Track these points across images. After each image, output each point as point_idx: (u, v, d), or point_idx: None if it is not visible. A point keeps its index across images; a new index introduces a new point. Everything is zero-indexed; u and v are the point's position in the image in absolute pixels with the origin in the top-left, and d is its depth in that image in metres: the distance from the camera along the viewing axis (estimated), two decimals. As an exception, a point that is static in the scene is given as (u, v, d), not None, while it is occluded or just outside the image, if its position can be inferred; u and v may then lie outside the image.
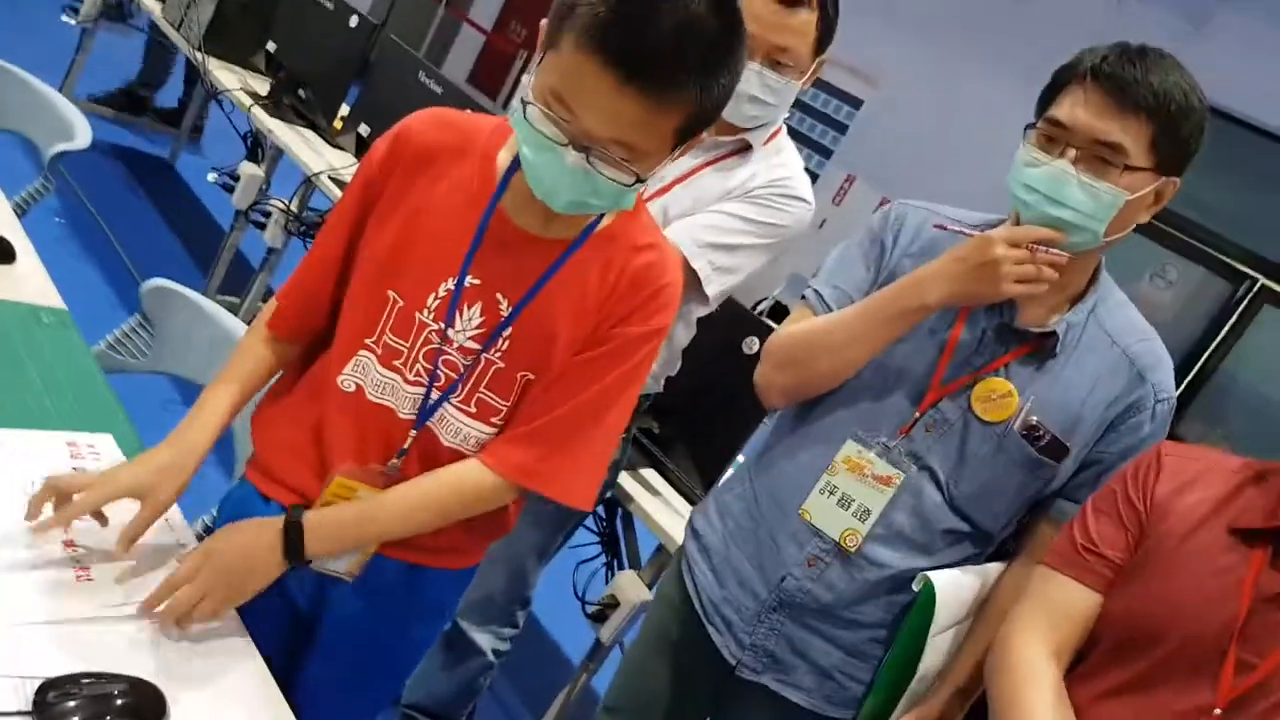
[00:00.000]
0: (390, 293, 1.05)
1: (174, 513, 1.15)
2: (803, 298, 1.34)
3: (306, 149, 2.94)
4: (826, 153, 6.28)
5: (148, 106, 4.35)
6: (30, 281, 1.47)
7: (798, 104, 1.70)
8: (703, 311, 1.72)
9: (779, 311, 5.98)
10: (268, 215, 2.94)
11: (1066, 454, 1.19)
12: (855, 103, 6.21)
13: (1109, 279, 1.25)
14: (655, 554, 1.94)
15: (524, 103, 0.91)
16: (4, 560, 0.98)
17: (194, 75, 4.34)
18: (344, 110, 3.14)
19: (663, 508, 1.93)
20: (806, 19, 1.55)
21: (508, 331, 1.05)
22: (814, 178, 1.65)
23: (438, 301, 1.04)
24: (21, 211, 1.79)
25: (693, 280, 1.58)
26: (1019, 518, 1.26)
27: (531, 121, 0.91)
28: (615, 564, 2.11)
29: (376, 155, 1.07)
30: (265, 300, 3.11)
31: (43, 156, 1.98)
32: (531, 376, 1.07)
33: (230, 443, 1.49)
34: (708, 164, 1.66)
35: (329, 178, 2.79)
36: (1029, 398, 1.18)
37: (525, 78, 1.94)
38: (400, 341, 1.06)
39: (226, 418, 1.10)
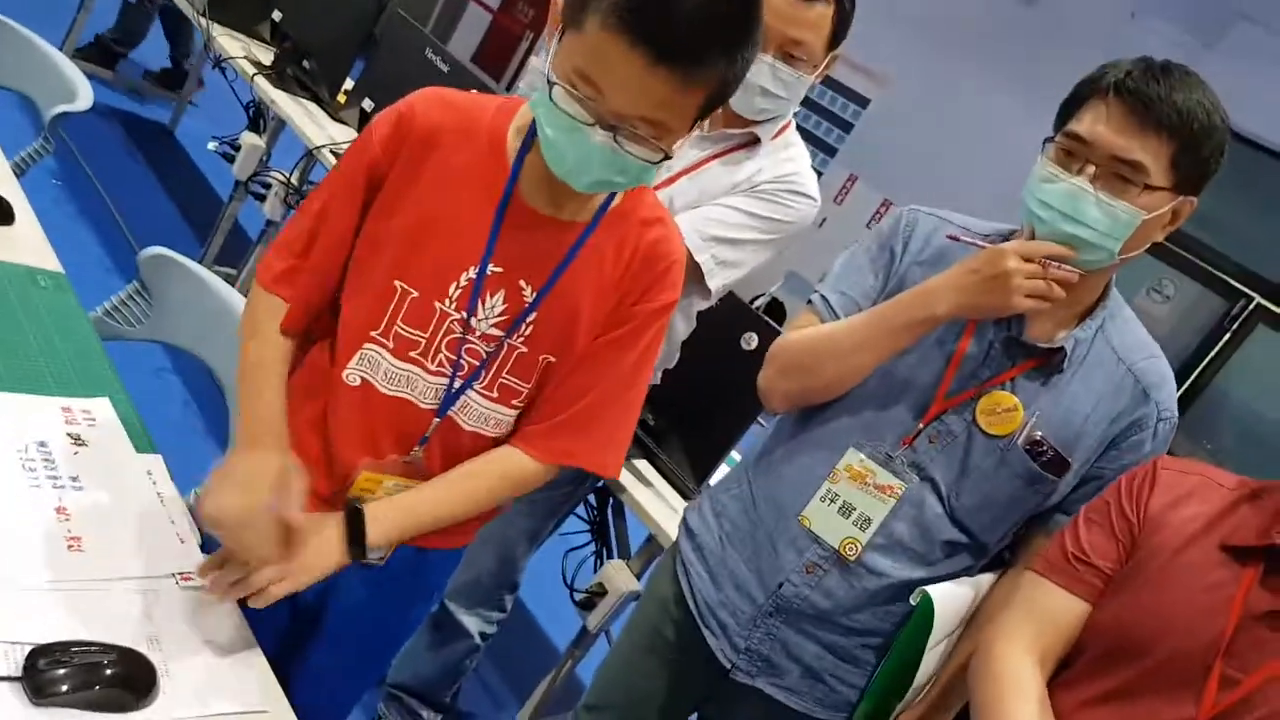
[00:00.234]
0: (398, 283, 1.02)
1: (167, 485, 1.14)
2: (809, 302, 1.32)
3: (309, 121, 2.92)
4: (831, 151, 6.27)
5: (117, 62, 4.28)
6: (28, 243, 1.45)
7: (804, 100, 1.69)
8: (704, 305, 1.71)
9: (775, 308, 5.98)
10: (267, 187, 2.92)
11: (1067, 469, 1.18)
12: (862, 102, 6.20)
13: (1118, 296, 1.24)
14: (645, 544, 1.94)
15: (550, 83, 0.90)
16: (-5, 524, 0.97)
17: (179, 38, 4.28)
18: (348, 84, 3.11)
19: (654, 499, 1.92)
20: (822, 12, 1.54)
21: (532, 316, 1.05)
22: (817, 175, 1.65)
23: (459, 291, 1.03)
24: (20, 172, 1.77)
25: (695, 273, 1.58)
26: (1016, 530, 1.26)
27: (557, 102, 0.90)
28: (604, 553, 2.11)
29: (378, 136, 1.02)
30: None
31: (43, 117, 1.96)
32: (553, 359, 1.08)
33: (224, 415, 1.48)
34: (715, 156, 1.65)
35: (330, 152, 2.77)
36: (1034, 413, 1.17)
37: (533, 59, 1.94)
38: (417, 332, 1.04)
39: (275, 405, 1.06)
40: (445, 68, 2.61)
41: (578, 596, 1.90)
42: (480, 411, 1.09)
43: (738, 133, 1.63)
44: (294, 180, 2.89)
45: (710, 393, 1.95)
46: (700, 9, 0.86)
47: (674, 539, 1.80)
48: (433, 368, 1.06)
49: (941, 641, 1.20)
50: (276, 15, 3.23)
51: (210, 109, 4.38)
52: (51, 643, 0.85)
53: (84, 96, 1.96)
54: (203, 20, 3.27)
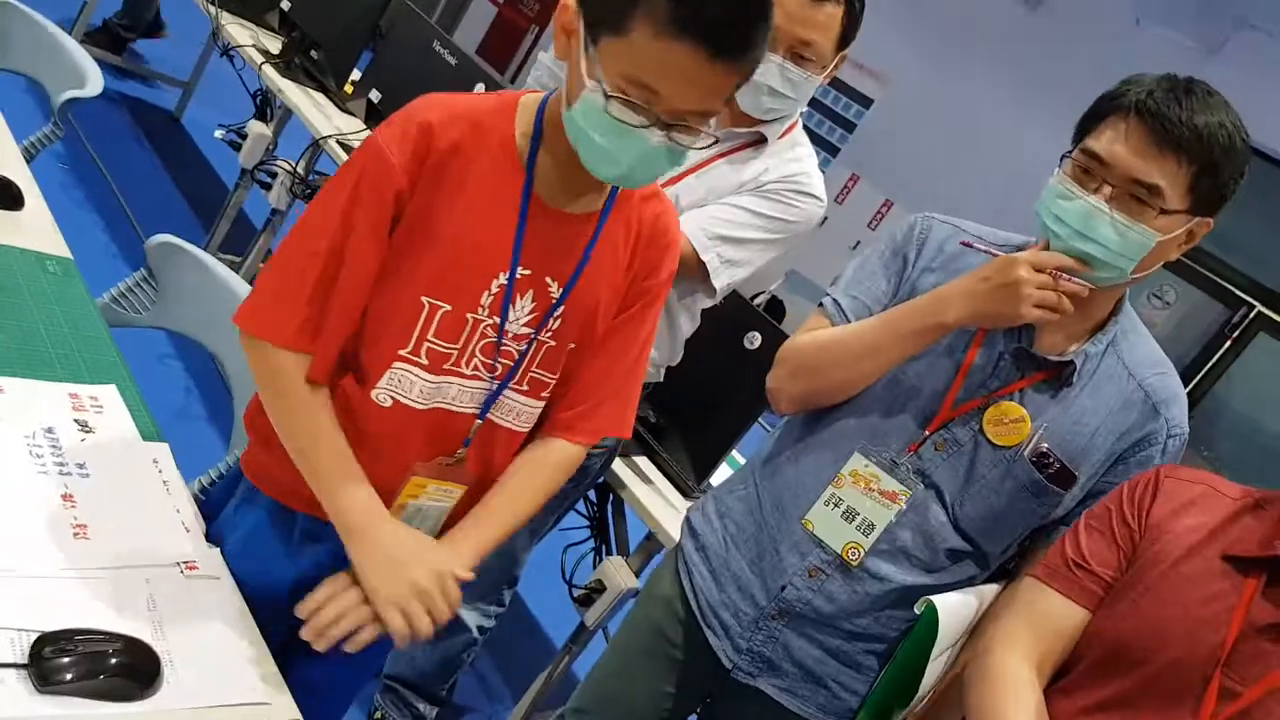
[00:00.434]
0: (425, 299, 1.01)
1: (172, 473, 1.14)
2: (820, 305, 1.32)
3: (316, 111, 2.91)
4: (833, 150, 6.27)
5: (125, 47, 4.27)
6: (37, 228, 1.46)
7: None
8: (708, 303, 1.72)
9: (775, 306, 5.99)
10: (273, 176, 2.92)
11: (1074, 482, 1.18)
12: (865, 102, 6.20)
13: (1131, 311, 1.24)
14: (644, 541, 1.94)
15: (606, 95, 0.91)
16: (2, 512, 0.97)
17: (135, 7, 4.21)
18: (355, 75, 3.11)
19: (654, 496, 1.93)
20: (832, 13, 1.54)
21: (559, 311, 1.07)
22: (820, 174, 1.66)
23: (491, 298, 1.03)
24: (30, 156, 1.77)
25: (700, 272, 1.58)
26: (1021, 541, 1.26)
27: (613, 113, 0.92)
28: (604, 549, 2.11)
29: (399, 162, 0.97)
30: (265, 261, 3.12)
31: (52, 102, 1.96)
32: (573, 345, 1.11)
33: (226, 402, 1.48)
34: (721, 155, 1.65)
35: (337, 142, 2.77)
36: (1042, 425, 1.17)
37: (541, 54, 1.93)
38: (449, 345, 1.04)
39: (371, 492, 1.04)
40: (452, 60, 2.61)
41: (576, 593, 1.90)
42: (514, 407, 1.11)
43: (744, 132, 1.63)
44: (300, 169, 2.89)
45: (712, 391, 1.95)
46: (743, 1, 0.90)
47: (674, 537, 1.82)
48: (468, 373, 1.06)
49: (945, 651, 1.20)
50: (285, 5, 3.23)
51: (217, 97, 4.38)
52: (57, 630, 0.86)
53: (94, 82, 1.97)
54: (212, 8, 3.27)
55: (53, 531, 0.98)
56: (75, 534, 0.99)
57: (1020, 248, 1.20)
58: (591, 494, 2.09)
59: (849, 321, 1.27)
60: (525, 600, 2.66)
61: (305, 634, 1.00)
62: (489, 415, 1.09)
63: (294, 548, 1.11)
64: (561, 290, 1.06)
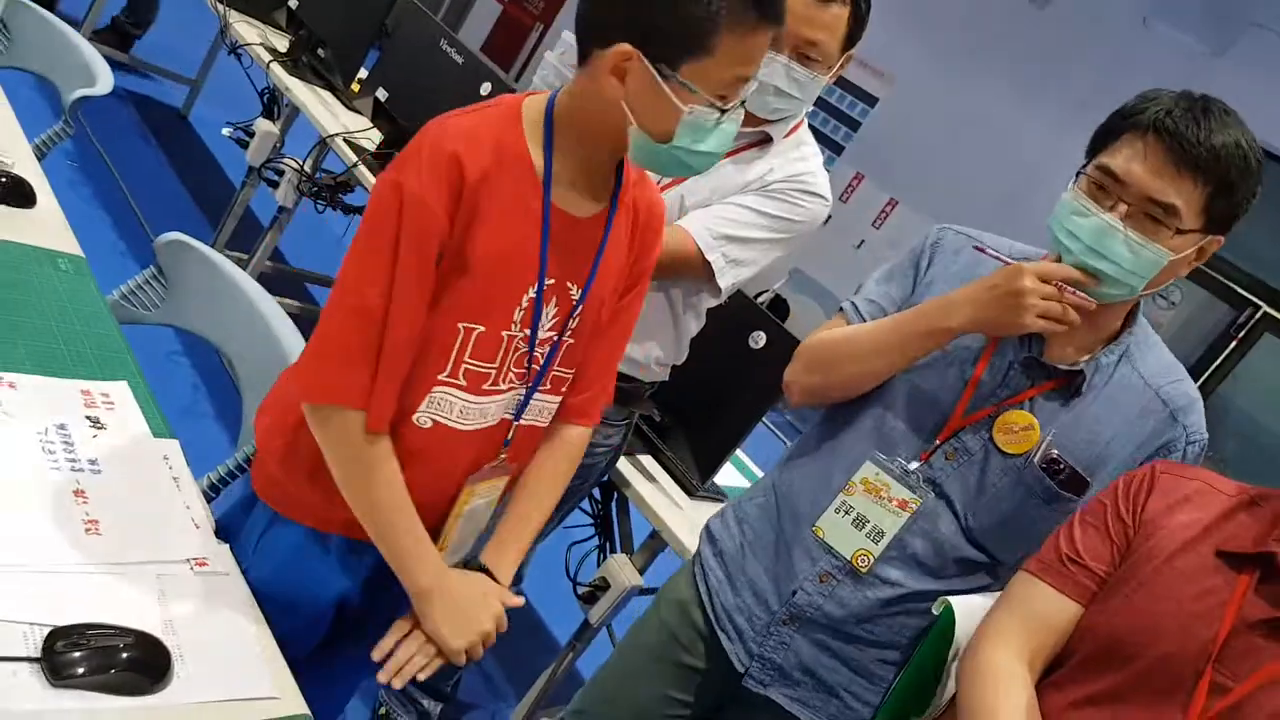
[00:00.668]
0: (461, 325, 1.03)
1: (183, 470, 1.15)
2: (841, 309, 1.35)
3: (323, 109, 2.93)
4: (838, 149, 6.27)
5: (132, 44, 4.28)
6: (49, 226, 1.47)
7: (813, 98, 1.70)
8: (713, 303, 1.72)
9: (779, 305, 5.99)
10: (280, 174, 2.93)
11: (1086, 488, 1.18)
12: (870, 100, 6.20)
13: (1145, 323, 1.24)
14: (648, 539, 1.95)
15: (721, 110, 1.00)
16: (15, 507, 0.98)
17: (140, 5, 4.21)
18: (362, 73, 3.12)
19: (658, 494, 1.94)
20: (838, 13, 1.54)
21: (578, 311, 1.10)
22: (825, 173, 1.67)
23: (522, 313, 1.06)
24: (41, 154, 1.79)
25: (705, 271, 1.59)
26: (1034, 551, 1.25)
27: (726, 123, 1.01)
28: (608, 547, 2.12)
29: (438, 205, 0.97)
30: (273, 260, 3.13)
31: (63, 100, 1.97)
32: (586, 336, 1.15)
33: (234, 400, 1.50)
34: (727, 155, 1.65)
35: (344, 140, 2.78)
36: (1051, 432, 1.17)
37: (547, 54, 1.94)
38: (486, 365, 1.06)
39: (435, 553, 1.11)
40: (459, 58, 2.62)
41: (580, 590, 1.91)
42: (541, 407, 1.16)
43: (750, 131, 1.63)
44: (307, 167, 2.90)
45: (717, 390, 1.96)
46: None
47: (678, 535, 1.83)
48: (503, 387, 1.09)
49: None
50: (292, 3, 3.24)
51: (225, 95, 4.40)
52: (69, 625, 0.87)
53: (104, 80, 1.98)
54: (220, 6, 3.28)
55: (65, 527, 0.99)
56: (87, 530, 1.00)
57: (1032, 260, 1.20)
58: (596, 492, 2.10)
59: (865, 322, 1.29)
60: (529, 598, 2.67)
61: (382, 677, 1.07)
62: (521, 420, 1.13)
63: (333, 568, 1.13)
64: (581, 292, 1.09)
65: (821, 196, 1.63)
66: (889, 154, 6.01)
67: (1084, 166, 1.15)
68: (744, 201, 1.61)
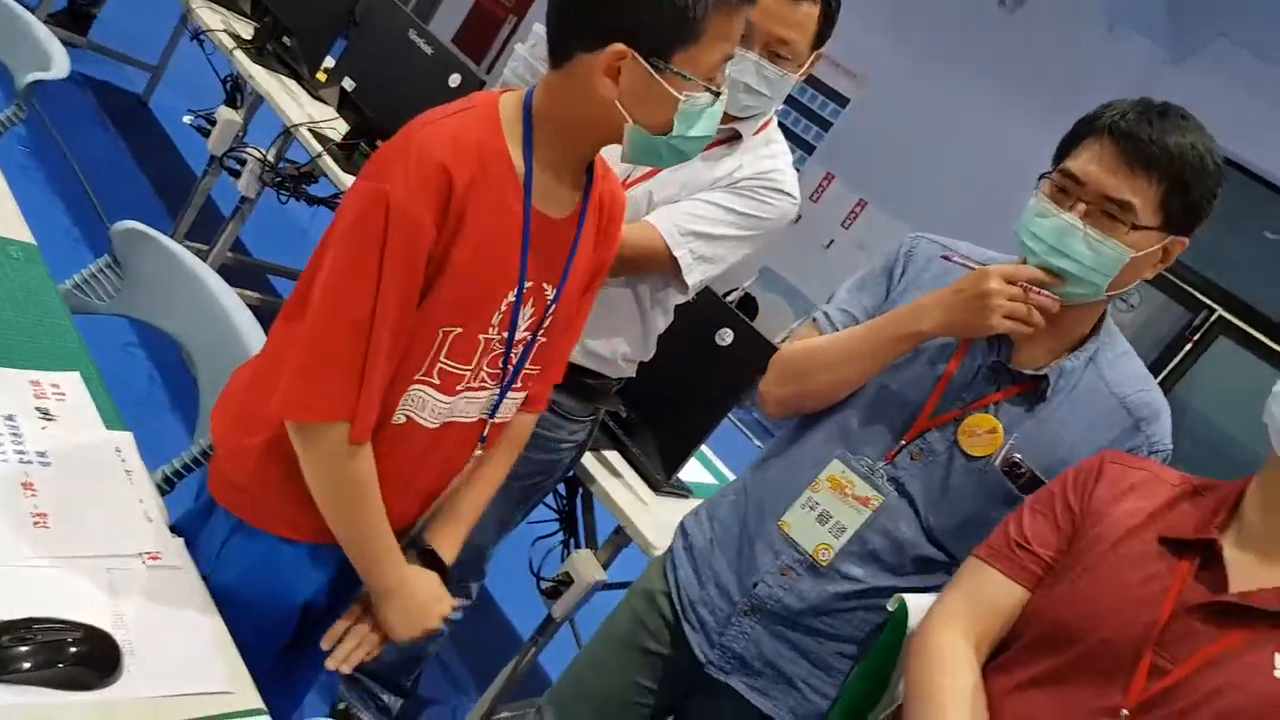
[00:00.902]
0: (441, 329, 1.03)
1: (136, 462, 1.13)
2: (814, 319, 1.36)
3: (288, 98, 2.88)
4: (809, 149, 6.31)
5: (89, 27, 4.18)
6: (0, 213, 1.43)
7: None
8: (681, 299, 1.72)
9: (748, 304, 6.02)
10: (243, 163, 2.88)
11: None
12: (842, 101, 6.24)
13: (1114, 328, 1.26)
14: (612, 535, 1.95)
15: (715, 93, 1.02)
16: (-40, 498, 0.96)
17: None
18: (329, 62, 3.08)
19: (623, 490, 1.93)
20: (809, 11, 1.55)
21: (552, 309, 1.10)
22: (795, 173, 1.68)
23: (500, 317, 1.06)
24: (-9, 139, 1.74)
25: (672, 267, 1.59)
26: None
27: (716, 106, 1.02)
28: (572, 542, 2.11)
29: (428, 215, 0.95)
30: (234, 251, 3.08)
31: (16, 83, 1.93)
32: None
33: (191, 392, 1.47)
34: (695, 152, 1.66)
35: (309, 130, 2.74)
36: (1014, 436, 1.20)
37: (518, 46, 1.92)
38: (461, 366, 1.06)
39: (400, 557, 1.13)
40: (428, 49, 2.59)
41: (544, 585, 1.90)
42: (510, 403, 1.16)
43: (720, 128, 1.63)
44: (270, 157, 2.86)
45: (683, 387, 1.96)
46: None
47: (642, 531, 1.83)
48: (475, 385, 1.09)
49: None
50: (257, -12, 3.19)
51: (186, 82, 4.32)
52: (15, 619, 0.85)
53: (59, 64, 1.93)
54: (182, -10, 3.22)
55: (12, 520, 0.96)
56: (35, 523, 0.97)
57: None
58: (560, 487, 2.09)
59: (837, 331, 1.31)
60: (492, 593, 2.66)
61: (330, 664, 1.10)
62: (495, 419, 1.14)
63: (303, 574, 1.12)
64: (555, 291, 1.10)
65: (790, 195, 1.64)
66: (859, 155, 6.06)
67: (1048, 172, 1.18)
68: (712, 198, 1.61)
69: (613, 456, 2.01)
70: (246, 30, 3.21)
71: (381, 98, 2.66)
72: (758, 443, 5.13)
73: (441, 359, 1.04)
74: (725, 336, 1.92)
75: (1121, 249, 1.12)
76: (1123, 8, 5.06)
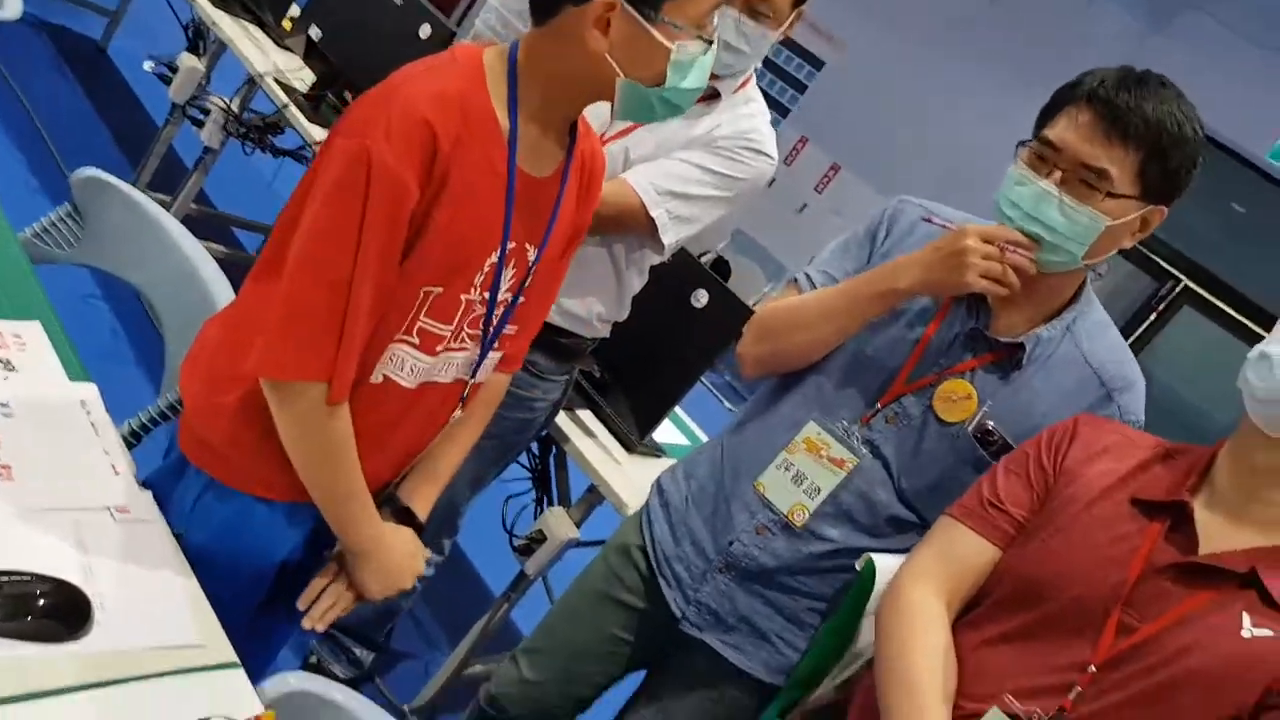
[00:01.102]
0: (423, 289, 1.01)
1: (101, 414, 1.11)
2: (794, 280, 1.36)
3: (252, 47, 2.80)
4: (783, 111, 6.27)
5: None
6: (-47, 157, 1.38)
7: (760, 57, 1.68)
8: (656, 260, 1.71)
9: (720, 266, 6.01)
10: (206, 113, 2.80)
11: None
12: (817, 64, 6.19)
13: (1093, 298, 1.27)
14: (586, 494, 1.95)
15: (707, 42, 1.01)
16: (-81, 448, 0.93)
17: None
18: (295, 9, 3.00)
19: (596, 449, 1.94)
20: None
21: (533, 270, 1.09)
22: (771, 134, 1.67)
23: (483, 277, 1.04)
24: (-57, 80, 1.67)
25: (649, 227, 1.58)
26: None
27: (707, 56, 1.01)
28: (545, 500, 2.12)
29: (412, 177, 0.93)
30: (197, 202, 3.01)
31: (-33, 23, 1.85)
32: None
33: (156, 347, 1.44)
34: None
35: (274, 80, 2.67)
36: (988, 403, 1.21)
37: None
38: (442, 326, 1.04)
39: (376, 518, 1.12)
40: (398, 0, 2.53)
41: (516, 542, 1.91)
42: (490, 363, 1.15)
43: (699, 86, 1.61)
44: (235, 107, 2.78)
45: (657, 348, 1.95)
46: None
47: (615, 490, 1.84)
48: (455, 346, 1.08)
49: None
50: (220, -68, 3.08)
51: (146, 27, 4.19)
52: (-19, 571, 0.83)
53: (11, 6, 1.86)
54: (141, -69, 3.11)
55: (-26, 471, 0.94)
56: (0, 475, 0.95)
57: None
58: (534, 446, 2.09)
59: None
60: (465, 550, 2.66)
61: (306, 623, 1.11)
62: (475, 379, 1.13)
63: (279, 533, 1.11)
64: (537, 252, 1.08)
65: (768, 155, 1.62)
66: (834, 119, 6.04)
67: (1027, 139, 1.18)
68: (690, 157, 1.60)
69: (586, 416, 2.01)
70: (209, -26, 3.11)
71: (349, 47, 2.60)
72: (729, 405, 5.16)
73: (422, 318, 1.02)
74: (700, 298, 1.92)
75: (1097, 217, 1.12)
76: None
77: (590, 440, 1.95)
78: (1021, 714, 1.00)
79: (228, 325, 1.08)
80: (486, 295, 1.05)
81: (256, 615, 1.12)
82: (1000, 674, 1.04)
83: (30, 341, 1.14)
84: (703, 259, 4.97)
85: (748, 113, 1.64)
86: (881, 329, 1.25)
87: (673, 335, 1.94)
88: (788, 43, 5.84)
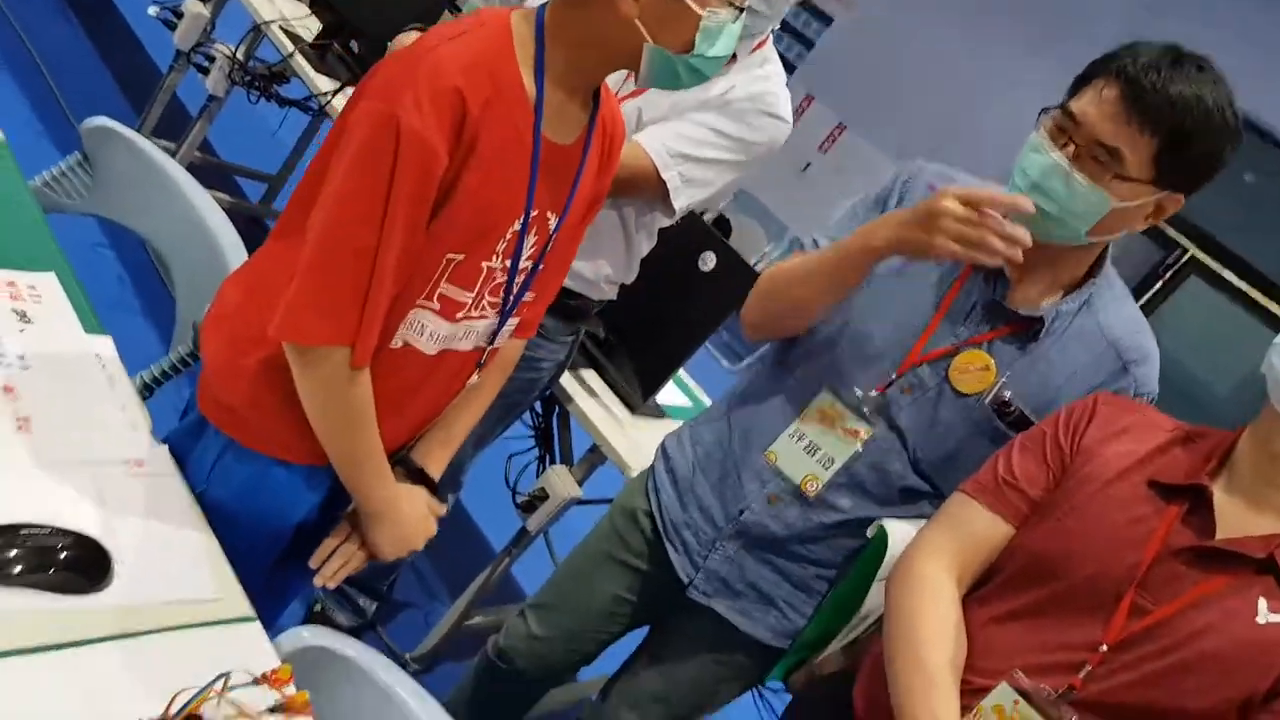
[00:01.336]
0: (445, 255, 1.01)
1: (117, 368, 1.12)
2: (801, 246, 1.34)
3: (258, -8, 2.76)
4: (790, 68, 6.18)
5: None
6: (-38, 104, 1.37)
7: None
8: (666, 223, 1.71)
9: (721, 225, 5.97)
10: (211, 60, 2.77)
11: None
12: (826, 20, 6.10)
13: (1112, 272, 1.25)
14: (588, 453, 1.97)
15: (739, 9, 0.99)
16: (-61, 400, 0.94)
17: None
18: (301, -44, 2.94)
19: (599, 409, 1.95)
20: None
21: (554, 237, 1.09)
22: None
23: (505, 244, 1.03)
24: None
25: (660, 190, 1.57)
26: None
27: (736, 23, 0.99)
28: (548, 459, 2.14)
29: (440, 144, 0.92)
30: (201, 151, 2.99)
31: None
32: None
33: (164, 298, 1.45)
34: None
35: (280, 28, 2.64)
36: (1005, 375, 1.20)
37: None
38: (464, 292, 1.04)
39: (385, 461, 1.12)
40: (409, -53, 2.47)
41: (519, 499, 1.93)
42: (508, 330, 1.16)
43: (713, 47, 1.59)
44: (240, 55, 2.75)
45: (663, 310, 1.96)
46: None
47: (618, 450, 1.85)
48: (476, 314, 1.08)
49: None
50: (225, -128, 3.01)
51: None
52: (5, 524, 0.85)
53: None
54: None
55: (-7, 424, 0.95)
56: (19, 427, 0.96)
57: None
58: (537, 405, 2.10)
59: None
60: (467, 506, 2.69)
61: (319, 581, 1.14)
62: (494, 345, 1.14)
63: (297, 495, 1.12)
64: (558, 220, 1.08)
65: (783, 118, 1.61)
66: (841, 78, 5.95)
67: (1053, 107, 1.15)
68: (703, 120, 1.58)
69: (590, 376, 2.02)
70: (213, -84, 3.05)
71: (357, -4, 2.56)
72: (726, 364, 5.16)
73: (443, 285, 1.02)
74: (708, 261, 1.92)
75: (1103, 197, 1.09)
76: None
77: (593, 401, 1.96)
78: (1031, 690, 1.01)
79: (248, 287, 1.08)
80: (508, 263, 1.05)
81: (271, 572, 1.14)
82: (1010, 650, 1.04)
83: (45, 293, 1.14)
84: (703, 218, 4.94)
85: (763, 74, 1.62)
86: (897, 299, 1.24)
87: (679, 298, 1.94)
88: (797, -2, 5.75)
